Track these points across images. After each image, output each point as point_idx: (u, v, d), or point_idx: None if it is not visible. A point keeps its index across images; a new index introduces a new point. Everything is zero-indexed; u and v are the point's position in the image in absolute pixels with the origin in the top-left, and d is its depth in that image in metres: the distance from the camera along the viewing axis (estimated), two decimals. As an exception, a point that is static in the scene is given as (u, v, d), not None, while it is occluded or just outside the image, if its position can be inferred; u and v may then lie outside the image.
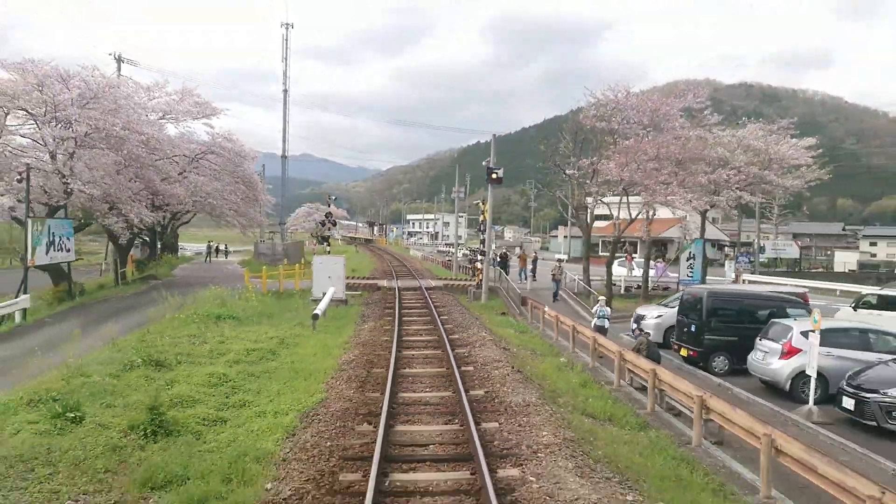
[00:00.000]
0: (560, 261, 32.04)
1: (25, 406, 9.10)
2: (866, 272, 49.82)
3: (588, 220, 27.74)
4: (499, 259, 33.10)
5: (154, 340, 14.30)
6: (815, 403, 11.18)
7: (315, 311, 16.97)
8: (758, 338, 13.24)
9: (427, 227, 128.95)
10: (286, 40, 47.84)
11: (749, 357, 13.35)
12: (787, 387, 12.34)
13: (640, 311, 18.64)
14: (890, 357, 11.69)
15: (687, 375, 11.92)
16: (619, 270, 28.73)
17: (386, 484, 6.73)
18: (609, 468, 7.36)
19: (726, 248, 57.09)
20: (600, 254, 56.92)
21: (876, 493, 5.71)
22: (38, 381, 10.78)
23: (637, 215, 25.72)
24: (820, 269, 56.09)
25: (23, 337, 16.75)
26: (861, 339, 12.58)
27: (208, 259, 47.94)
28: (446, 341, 14.51)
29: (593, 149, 25.95)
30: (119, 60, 34.37)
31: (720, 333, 14.09)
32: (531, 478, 6.89)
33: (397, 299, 22.78)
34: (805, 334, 11.81)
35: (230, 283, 25.37)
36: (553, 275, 26.39)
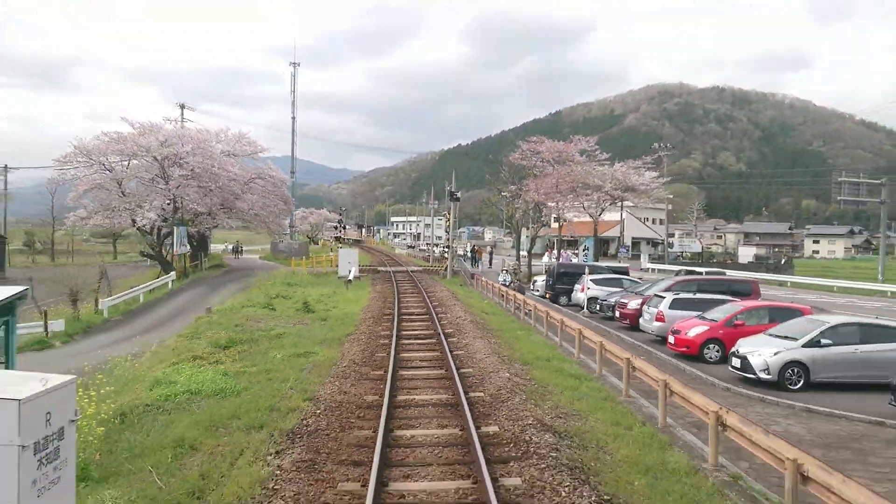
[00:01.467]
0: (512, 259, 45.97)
1: (245, 306, 22.37)
2: (759, 262, 64.03)
3: (518, 226, 41.55)
4: (470, 254, 46.81)
5: (266, 290, 27.58)
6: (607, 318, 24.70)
7: (349, 278, 30.45)
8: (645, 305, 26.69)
9: (410, 229, 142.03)
10: (294, 77, 61.08)
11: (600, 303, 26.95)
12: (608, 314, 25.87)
13: (536, 278, 32.35)
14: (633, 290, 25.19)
15: (539, 300, 25.35)
16: (544, 259, 42.50)
17: (399, 326, 20.07)
18: (490, 332, 20.75)
19: (643, 245, 71.29)
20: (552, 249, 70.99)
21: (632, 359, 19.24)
22: (229, 303, 24.05)
23: (560, 221, 39.45)
24: (722, 260, 70.33)
25: (182, 294, 29.90)
26: (616, 282, 26.09)
27: (236, 255, 60.89)
28: (423, 291, 28.00)
29: (521, 178, 39.69)
30: (182, 107, 47.46)
31: (562, 285, 27.69)
32: (455, 336, 20.31)
33: (393, 276, 36.22)
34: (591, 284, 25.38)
35: (267, 269, 38.84)
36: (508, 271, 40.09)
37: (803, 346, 12.96)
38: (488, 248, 51.46)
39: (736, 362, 13.59)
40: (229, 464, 7.52)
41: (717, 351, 15.52)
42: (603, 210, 38.59)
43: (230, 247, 64.69)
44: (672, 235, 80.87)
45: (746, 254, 73.16)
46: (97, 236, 73.81)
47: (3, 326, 8.28)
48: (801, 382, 12.82)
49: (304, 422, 9.14)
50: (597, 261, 39.96)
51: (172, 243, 34.02)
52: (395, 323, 19.04)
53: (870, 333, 13.13)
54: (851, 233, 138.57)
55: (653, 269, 44.94)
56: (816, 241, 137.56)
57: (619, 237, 75.39)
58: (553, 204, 35.81)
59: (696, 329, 15.89)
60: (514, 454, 7.95)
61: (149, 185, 34.89)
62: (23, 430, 4.05)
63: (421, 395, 10.97)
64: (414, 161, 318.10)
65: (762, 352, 13.13)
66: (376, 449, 7.62)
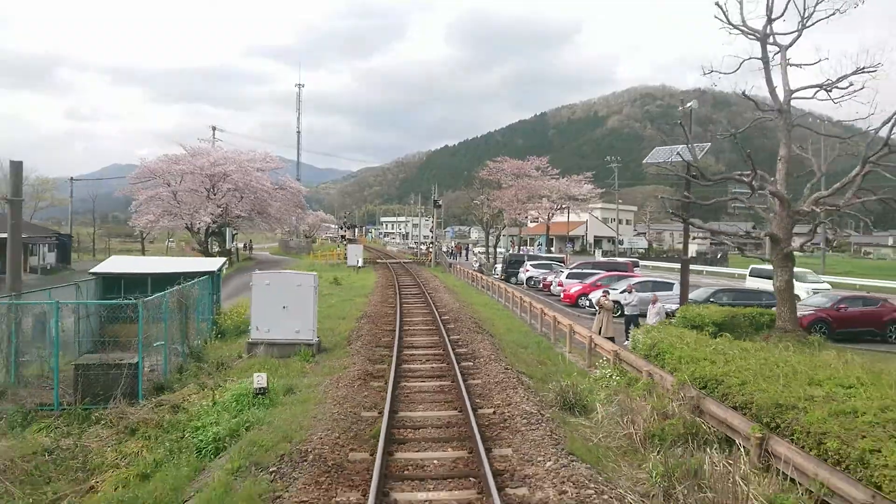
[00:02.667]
0: (483, 252, 57.64)
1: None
2: (699, 256, 76.20)
3: (487, 227, 53.29)
4: (453, 250, 58.55)
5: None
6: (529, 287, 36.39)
7: (359, 266, 41.96)
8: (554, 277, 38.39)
9: (399, 229, 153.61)
10: (299, 97, 72.39)
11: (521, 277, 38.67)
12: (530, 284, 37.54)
13: (496, 265, 44.07)
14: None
15: (496, 280, 36.94)
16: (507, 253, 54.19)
17: (399, 290, 31.61)
18: (455, 293, 32.37)
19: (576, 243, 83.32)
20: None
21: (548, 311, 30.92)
22: None
23: (518, 223, 51.13)
24: (669, 255, 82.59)
25: (237, 276, 41.23)
26: (548, 266, 37.81)
27: (249, 251, 72.11)
28: (413, 274, 39.64)
29: (491, 188, 51.42)
30: (213, 129, 58.73)
31: (512, 269, 39.32)
32: (435, 297, 31.96)
33: (389, 265, 47.76)
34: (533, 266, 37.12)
35: (287, 262, 50.34)
36: (478, 262, 51.74)
37: (619, 293, 24.62)
38: (467, 245, 63.20)
39: (586, 302, 25.33)
40: (340, 326, 19.09)
41: (587, 300, 27.16)
42: (552, 215, 50.31)
43: (243, 244, 75.91)
44: (638, 234, 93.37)
45: (693, 250, 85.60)
46: (122, 236, 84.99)
47: (217, 277, 19.73)
48: (619, 312, 24.47)
49: (363, 316, 20.75)
50: (549, 253, 51.75)
51: (221, 240, 45.36)
52: (397, 289, 30.69)
53: (655, 286, 24.80)
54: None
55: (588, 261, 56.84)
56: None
57: (583, 235, 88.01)
58: (511, 210, 47.54)
59: (574, 288, 27.61)
60: (455, 325, 19.53)
61: (200, 196, 46.05)
62: (313, 284, 15.64)
63: (416, 314, 22.55)
64: (401, 162, 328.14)
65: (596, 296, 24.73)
66: (397, 320, 19.23)
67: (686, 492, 6.40)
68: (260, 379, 10.80)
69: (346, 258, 48.08)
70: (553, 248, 59.39)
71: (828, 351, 13.25)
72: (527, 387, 11.50)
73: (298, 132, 71.82)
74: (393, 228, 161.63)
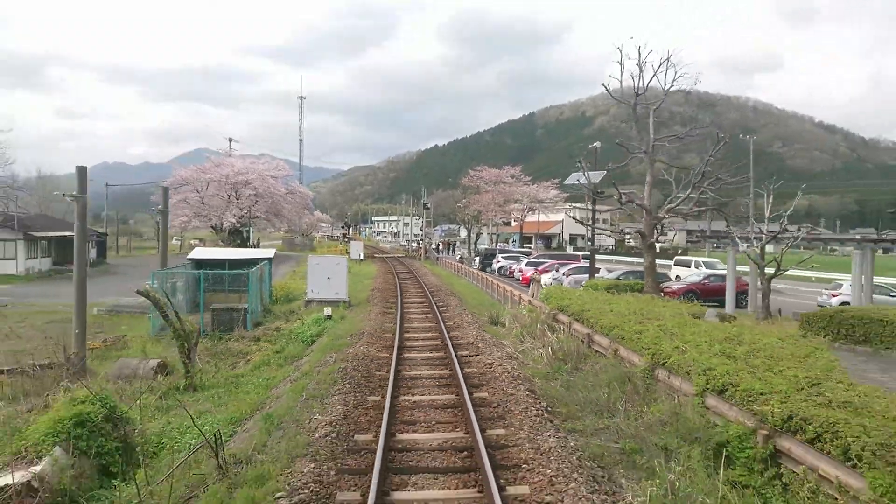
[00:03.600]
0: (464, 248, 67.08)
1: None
2: (663, 251, 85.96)
3: (469, 226, 62.62)
4: (441, 246, 67.83)
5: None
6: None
7: (360, 258, 51.10)
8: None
9: (391, 227, 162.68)
10: (301, 109, 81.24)
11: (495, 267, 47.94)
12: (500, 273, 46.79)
13: (475, 258, 53.42)
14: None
15: (478, 271, 46.14)
16: (482, 247, 63.55)
17: (397, 275, 40.80)
18: (441, 278, 41.61)
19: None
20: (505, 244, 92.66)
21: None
22: (300, 270, 44.75)
23: (493, 223, 60.41)
24: (637, 250, 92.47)
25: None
26: (516, 258, 47.09)
27: (256, 247, 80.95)
28: (406, 265, 48.83)
29: (472, 193, 60.71)
30: (230, 140, 67.65)
31: (487, 261, 48.53)
32: (424, 279, 41.20)
33: (385, 259, 56.91)
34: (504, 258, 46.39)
35: (297, 257, 59.43)
36: (460, 255, 60.99)
37: (561, 274, 33.89)
38: (455, 242, 72.68)
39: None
40: (360, 294, 28.26)
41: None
42: (524, 216, 59.56)
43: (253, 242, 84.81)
44: (600, 232, 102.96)
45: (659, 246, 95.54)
46: (127, 234, 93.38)
47: (270, 262, 28.79)
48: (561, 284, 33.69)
49: (374, 288, 29.94)
50: (524, 248, 61.12)
51: (241, 238, 54.38)
52: (395, 274, 39.90)
53: (585, 270, 34.06)
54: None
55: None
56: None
57: (559, 234, 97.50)
58: (489, 212, 56.77)
59: (529, 272, 36.83)
60: (437, 294, 28.68)
61: (224, 200, 54.90)
62: (346, 265, 24.83)
63: (410, 288, 31.69)
64: (392, 161, 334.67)
65: (546, 279, 34.01)
66: (398, 291, 28.43)
67: (525, 336, 15.68)
68: (328, 311, 20.02)
69: (348, 253, 57.16)
70: (533, 245, 68.81)
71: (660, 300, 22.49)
72: (475, 317, 20.77)
73: (301, 140, 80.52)
74: (385, 227, 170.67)
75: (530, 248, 62.32)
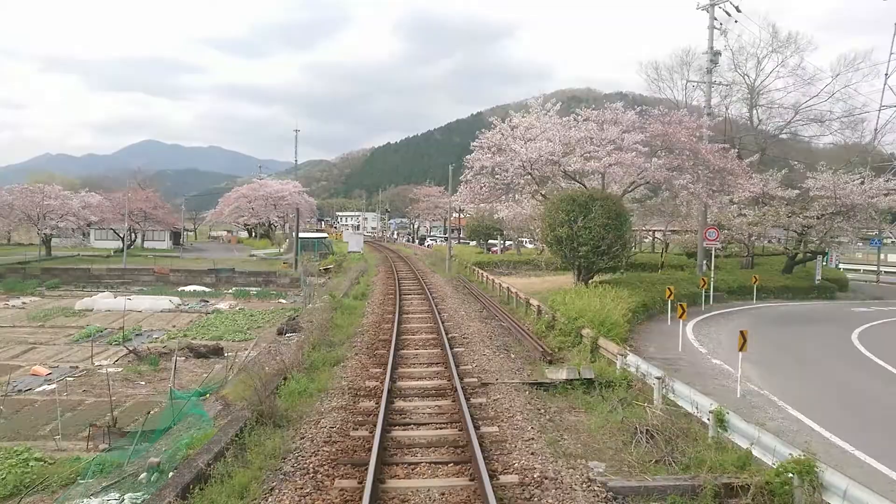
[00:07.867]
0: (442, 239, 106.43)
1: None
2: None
3: (412, 221, 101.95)
4: (397, 235, 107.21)
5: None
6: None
7: (360, 251, 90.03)
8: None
9: (353, 221, 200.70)
10: (296, 140, 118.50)
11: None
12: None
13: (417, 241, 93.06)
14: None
15: (417, 247, 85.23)
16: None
17: (376, 247, 79.75)
18: (424, 261, 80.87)
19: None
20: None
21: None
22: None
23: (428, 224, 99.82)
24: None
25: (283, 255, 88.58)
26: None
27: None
28: (377, 244, 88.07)
29: (413, 202, 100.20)
30: (259, 167, 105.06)
31: (421, 242, 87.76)
32: (386, 247, 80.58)
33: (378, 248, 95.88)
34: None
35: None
36: (406, 239, 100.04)
37: (428, 244, 73.64)
38: (408, 232, 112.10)
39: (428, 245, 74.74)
40: (373, 270, 67.43)
41: (428, 245, 76.19)
42: (449, 216, 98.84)
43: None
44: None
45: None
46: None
47: (326, 239, 67.61)
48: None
49: (377, 271, 69.30)
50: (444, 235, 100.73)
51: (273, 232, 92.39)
52: (375, 247, 79.49)
53: (447, 240, 73.83)
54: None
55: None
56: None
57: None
58: (424, 215, 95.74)
59: (429, 243, 76.59)
60: (395, 252, 67.87)
61: (264, 209, 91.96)
62: (363, 235, 64.24)
63: (400, 265, 70.11)
64: (346, 157, 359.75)
65: (430, 244, 73.74)
66: (394, 268, 67.74)
67: (430, 258, 55.56)
68: (357, 251, 59.90)
69: (341, 236, 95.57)
70: (448, 233, 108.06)
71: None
72: (418, 259, 60.61)
73: (295, 162, 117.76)
74: (347, 221, 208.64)
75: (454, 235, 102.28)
